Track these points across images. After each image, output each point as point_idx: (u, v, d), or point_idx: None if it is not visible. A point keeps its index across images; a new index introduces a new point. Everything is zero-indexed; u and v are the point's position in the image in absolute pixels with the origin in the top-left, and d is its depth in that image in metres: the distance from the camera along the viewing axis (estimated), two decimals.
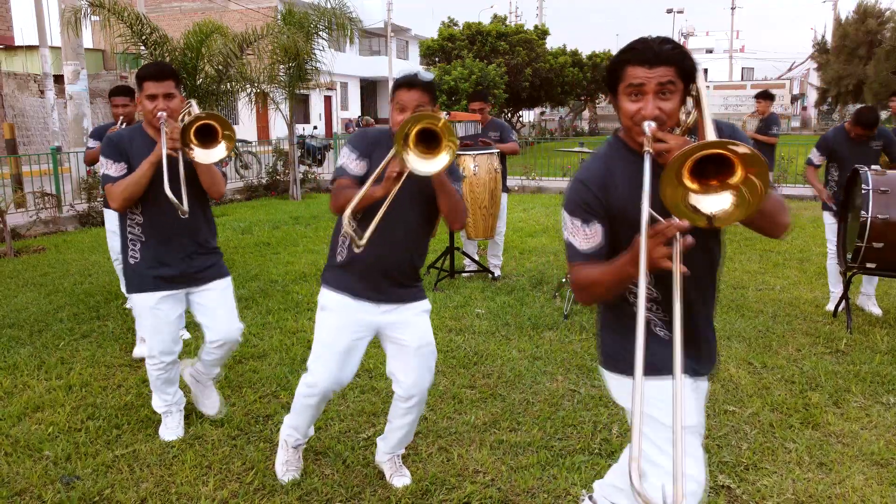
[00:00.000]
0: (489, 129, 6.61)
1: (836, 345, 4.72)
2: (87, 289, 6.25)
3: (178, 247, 3.25)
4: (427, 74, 2.66)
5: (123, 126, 4.95)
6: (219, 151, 3.01)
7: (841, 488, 3.02)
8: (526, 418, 3.67)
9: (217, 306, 3.37)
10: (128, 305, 5.50)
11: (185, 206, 3.01)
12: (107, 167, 3.12)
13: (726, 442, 3.42)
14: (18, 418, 3.68)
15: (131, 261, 3.25)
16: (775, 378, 4.18)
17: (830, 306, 5.52)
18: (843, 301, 5.18)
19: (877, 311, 5.45)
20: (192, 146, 2.97)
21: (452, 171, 2.67)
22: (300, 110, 32.88)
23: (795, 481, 3.06)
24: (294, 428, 3.04)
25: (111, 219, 5.29)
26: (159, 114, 3.04)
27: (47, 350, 4.69)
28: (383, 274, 2.75)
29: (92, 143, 5.31)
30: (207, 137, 2.99)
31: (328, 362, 2.78)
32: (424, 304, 2.88)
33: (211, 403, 3.66)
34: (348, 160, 2.71)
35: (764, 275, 6.68)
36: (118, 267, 5.48)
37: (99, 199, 10.05)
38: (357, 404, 3.83)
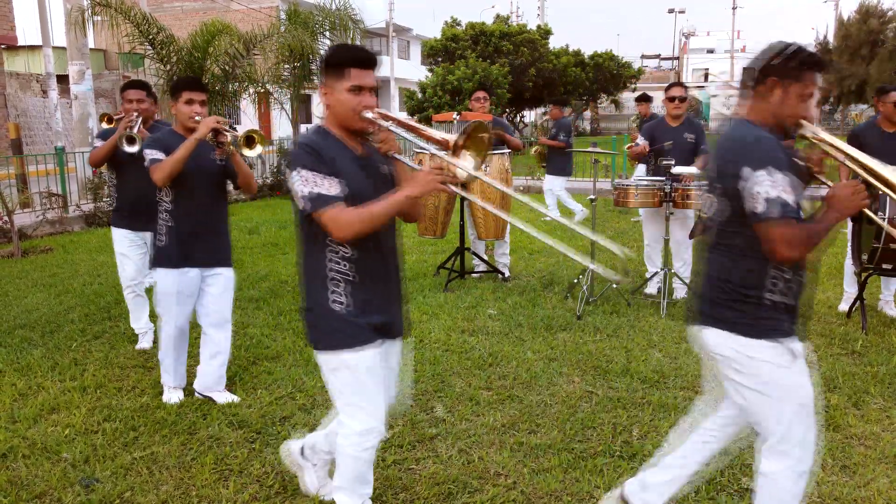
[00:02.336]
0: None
1: (852, 346, 4.69)
2: (96, 289, 6.22)
3: (386, 284, 2.53)
4: None
5: (140, 125, 4.37)
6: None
7: (866, 491, 3.00)
8: (544, 420, 3.65)
9: (397, 371, 2.69)
10: (140, 347, 4.77)
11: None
12: (317, 184, 2.29)
13: (748, 443, 3.39)
14: (34, 420, 3.66)
15: (335, 307, 2.42)
16: None
17: (844, 306, 5.50)
18: (859, 302, 5.16)
19: (892, 313, 5.42)
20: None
21: None
22: (302, 110, 32.72)
23: (820, 484, 3.04)
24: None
25: (120, 241, 4.64)
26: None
27: (60, 351, 4.66)
28: None
29: (99, 144, 4.56)
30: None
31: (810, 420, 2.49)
32: None
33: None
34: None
35: None
36: (129, 297, 4.77)
37: (104, 200, 10.00)
38: None
